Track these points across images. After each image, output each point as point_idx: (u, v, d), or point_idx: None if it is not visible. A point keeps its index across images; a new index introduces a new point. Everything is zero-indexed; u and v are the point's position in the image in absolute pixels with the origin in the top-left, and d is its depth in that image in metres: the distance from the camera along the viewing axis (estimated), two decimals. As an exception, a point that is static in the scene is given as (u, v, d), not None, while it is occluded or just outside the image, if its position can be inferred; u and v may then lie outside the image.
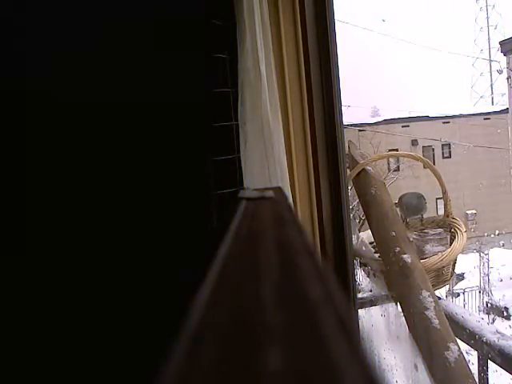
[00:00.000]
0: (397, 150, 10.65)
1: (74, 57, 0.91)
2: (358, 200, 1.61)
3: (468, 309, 6.37)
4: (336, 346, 0.15)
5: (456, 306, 2.14)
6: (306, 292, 0.19)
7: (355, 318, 1.15)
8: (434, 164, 1.91)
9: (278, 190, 0.53)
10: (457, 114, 12.70)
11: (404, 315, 1.36)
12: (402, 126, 12.10)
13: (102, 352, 0.88)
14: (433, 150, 12.49)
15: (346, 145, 1.42)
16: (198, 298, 0.19)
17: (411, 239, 1.53)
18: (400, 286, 1.38)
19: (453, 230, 1.65)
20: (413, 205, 1.76)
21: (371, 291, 1.67)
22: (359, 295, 1.69)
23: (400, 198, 1.80)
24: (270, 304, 0.18)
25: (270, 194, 0.47)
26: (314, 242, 1.06)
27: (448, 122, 12.56)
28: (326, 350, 0.15)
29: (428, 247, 1.60)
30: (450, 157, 12.67)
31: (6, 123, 0.89)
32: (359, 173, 1.55)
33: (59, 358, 0.87)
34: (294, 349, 0.15)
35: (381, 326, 1.54)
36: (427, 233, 1.66)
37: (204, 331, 0.16)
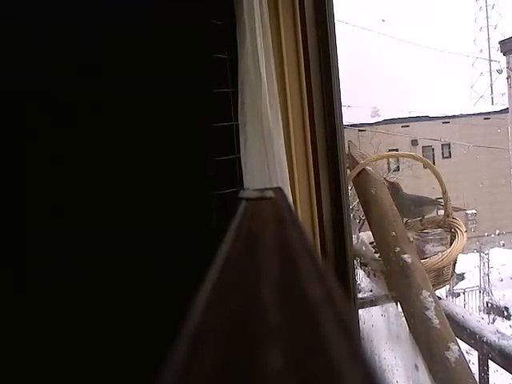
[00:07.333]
0: (397, 150, 10.63)
1: (72, 57, 0.91)
2: (358, 200, 1.61)
3: (468, 309, 6.37)
4: (336, 346, 0.15)
5: (456, 306, 2.15)
6: (306, 292, 0.19)
7: (355, 318, 1.15)
8: (434, 164, 1.91)
9: (278, 190, 0.53)
10: (457, 114, 12.67)
11: (404, 315, 1.36)
12: (402, 126, 12.07)
13: (102, 352, 0.88)
14: (433, 150, 12.46)
15: (346, 145, 1.42)
16: (198, 298, 0.19)
17: (411, 239, 1.53)
18: (400, 286, 1.38)
19: (453, 230, 1.65)
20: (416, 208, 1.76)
21: (371, 291, 1.67)
22: (359, 295, 1.69)
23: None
24: (270, 304, 0.18)
25: (270, 194, 0.47)
26: (313, 242, 1.06)
27: (448, 122, 12.54)
28: (326, 350, 0.15)
29: (428, 247, 1.60)
30: (449, 157, 12.64)
31: (8, 119, 0.89)
32: (359, 173, 1.55)
33: (59, 357, 0.87)
34: (294, 349, 0.15)
35: (381, 325, 1.54)
36: (427, 233, 1.66)
37: (204, 331, 0.16)
